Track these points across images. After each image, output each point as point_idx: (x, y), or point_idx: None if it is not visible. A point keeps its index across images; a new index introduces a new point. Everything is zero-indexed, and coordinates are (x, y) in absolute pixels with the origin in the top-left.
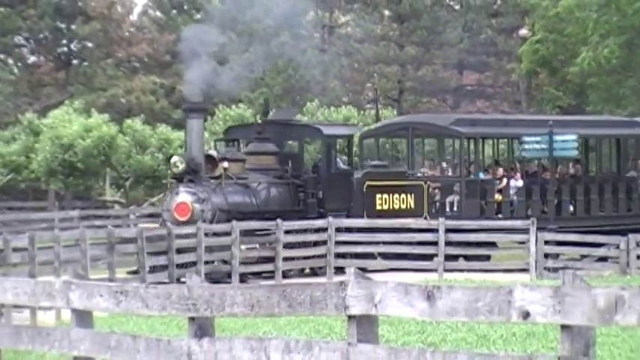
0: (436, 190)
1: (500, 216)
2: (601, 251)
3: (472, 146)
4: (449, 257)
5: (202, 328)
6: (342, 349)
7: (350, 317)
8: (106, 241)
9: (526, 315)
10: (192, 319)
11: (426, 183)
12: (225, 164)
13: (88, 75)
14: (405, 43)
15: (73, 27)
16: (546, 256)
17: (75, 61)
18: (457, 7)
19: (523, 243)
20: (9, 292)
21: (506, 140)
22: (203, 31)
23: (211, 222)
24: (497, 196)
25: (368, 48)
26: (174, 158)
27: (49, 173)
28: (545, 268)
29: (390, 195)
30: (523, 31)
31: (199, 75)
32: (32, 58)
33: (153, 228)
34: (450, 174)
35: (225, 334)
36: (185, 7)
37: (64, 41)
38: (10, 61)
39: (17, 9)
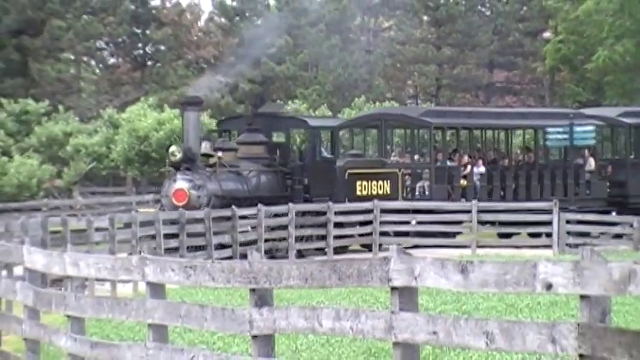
0: (406, 177)
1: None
2: (616, 229)
3: (440, 135)
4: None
5: (262, 299)
6: (385, 317)
7: (393, 288)
8: (177, 221)
9: (549, 286)
10: (253, 290)
11: (400, 170)
12: (220, 154)
13: (161, 75)
14: (441, 44)
15: (148, 32)
16: (568, 233)
17: (149, 63)
18: (488, 12)
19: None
20: (92, 267)
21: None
22: (262, 35)
23: (207, 207)
24: (463, 182)
25: (409, 49)
26: (173, 148)
27: (127, 162)
28: (566, 245)
29: (369, 181)
30: (547, 33)
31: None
32: (112, 60)
33: (150, 213)
34: (418, 161)
35: (283, 303)
36: (247, 14)
37: (140, 45)
38: (93, 62)
39: (99, 16)
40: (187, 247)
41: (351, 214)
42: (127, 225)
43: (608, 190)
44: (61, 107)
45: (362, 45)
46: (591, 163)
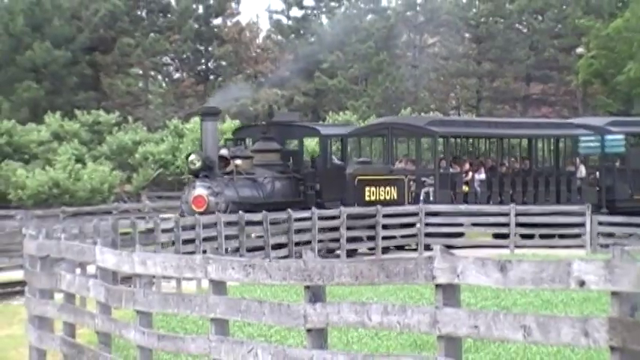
0: (411, 182)
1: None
2: None
3: (444, 144)
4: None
5: (316, 295)
6: (430, 312)
7: (437, 286)
8: (237, 223)
9: (582, 283)
10: (307, 287)
11: (406, 177)
12: (238, 161)
13: (222, 88)
14: (482, 59)
15: (210, 49)
16: (599, 234)
17: (212, 77)
18: (525, 30)
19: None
20: (159, 265)
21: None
22: (316, 51)
23: (224, 213)
24: (465, 188)
25: (451, 64)
26: (192, 156)
27: None
28: (598, 245)
29: (377, 187)
30: (579, 49)
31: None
32: (177, 75)
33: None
34: (424, 168)
35: (335, 299)
36: (302, 31)
37: (203, 60)
38: (159, 77)
39: (165, 34)
40: (246, 248)
41: (397, 216)
42: (191, 227)
43: (597, 194)
44: (130, 118)
45: (408, 60)
46: (582, 171)
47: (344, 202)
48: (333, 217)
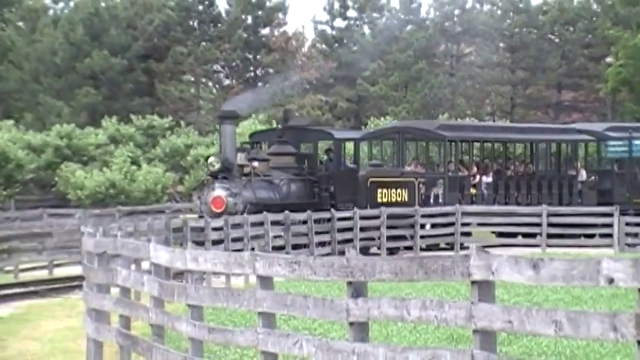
0: (421, 185)
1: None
2: None
3: (454, 147)
4: (550, 235)
5: (358, 290)
6: (466, 307)
7: (472, 282)
8: (283, 223)
9: (611, 281)
10: (349, 283)
11: (416, 179)
12: (255, 164)
13: (270, 94)
14: (515, 68)
15: (259, 57)
16: (626, 234)
17: (259, 84)
18: (557, 40)
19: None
20: (209, 262)
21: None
22: (358, 59)
23: (242, 214)
24: (472, 190)
25: (487, 72)
26: (211, 159)
27: None
28: (625, 244)
29: (389, 189)
30: (609, 59)
31: None
32: (227, 82)
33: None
34: (433, 171)
35: (375, 294)
36: (345, 41)
37: (251, 68)
38: (210, 84)
39: (216, 43)
40: (291, 245)
41: (434, 216)
42: (239, 225)
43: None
44: (182, 122)
45: (445, 68)
46: (582, 175)
47: (357, 203)
48: (373, 217)
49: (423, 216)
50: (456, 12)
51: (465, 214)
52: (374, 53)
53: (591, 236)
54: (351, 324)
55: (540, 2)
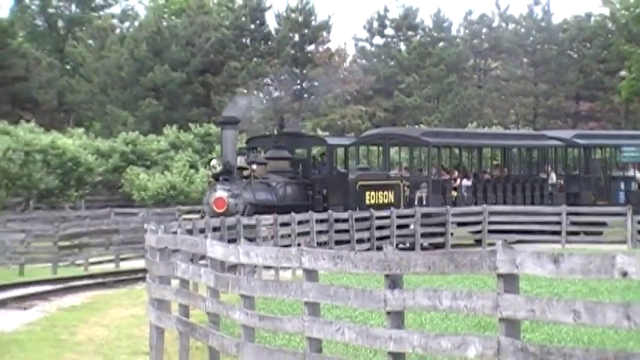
0: (405, 187)
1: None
2: None
3: (437, 153)
4: (570, 232)
5: (394, 282)
6: (493, 297)
7: (498, 275)
8: (326, 221)
9: (625, 274)
10: (387, 275)
11: (402, 182)
12: (255, 167)
13: (315, 105)
14: (537, 81)
15: (305, 71)
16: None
17: (305, 95)
18: (575, 55)
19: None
20: (260, 256)
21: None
22: (395, 73)
23: (242, 214)
24: (454, 193)
25: (511, 85)
26: (214, 161)
27: None
28: (638, 240)
29: (376, 192)
30: (622, 72)
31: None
32: (276, 93)
33: (195, 219)
34: (418, 175)
35: (410, 286)
36: (383, 56)
37: (298, 81)
38: (261, 95)
39: (266, 59)
40: (334, 241)
41: (463, 215)
42: (287, 223)
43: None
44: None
45: (474, 81)
46: (553, 178)
47: (347, 205)
48: (407, 216)
49: (454, 215)
50: (484, 30)
51: (492, 213)
52: (409, 68)
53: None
54: (388, 313)
55: (560, 21)
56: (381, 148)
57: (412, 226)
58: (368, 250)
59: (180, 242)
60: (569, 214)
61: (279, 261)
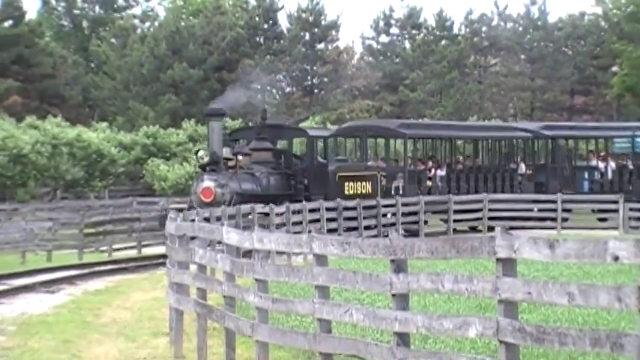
0: (382, 178)
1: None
2: None
3: (412, 144)
4: (564, 219)
5: (399, 267)
6: (492, 281)
7: (497, 259)
8: (335, 209)
9: (616, 258)
10: (392, 260)
11: (379, 173)
12: (240, 157)
13: (324, 100)
14: (534, 76)
15: (315, 68)
16: (630, 218)
17: (316, 91)
18: (570, 52)
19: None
20: (273, 242)
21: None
22: (400, 69)
23: (229, 204)
24: (428, 183)
25: (510, 80)
26: (201, 152)
27: None
28: (629, 227)
29: (354, 182)
30: (615, 68)
31: None
32: (288, 89)
33: (182, 208)
34: (395, 165)
35: (414, 270)
36: (388, 54)
37: (309, 77)
38: (274, 91)
39: (278, 57)
40: (343, 228)
41: (465, 203)
42: (299, 211)
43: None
44: (250, 124)
45: (474, 77)
46: (522, 168)
47: (327, 195)
48: (413, 204)
49: (456, 202)
50: (484, 29)
51: (492, 201)
52: (413, 64)
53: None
54: (394, 295)
55: (556, 20)
56: (358, 140)
57: (389, 216)
58: (375, 236)
59: (197, 229)
60: (564, 201)
61: (291, 247)
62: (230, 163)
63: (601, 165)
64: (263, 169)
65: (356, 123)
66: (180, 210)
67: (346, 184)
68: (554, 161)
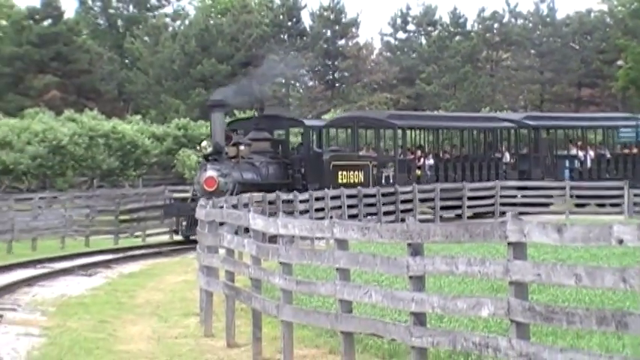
0: (373, 167)
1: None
2: None
3: (402, 134)
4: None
5: (416, 250)
6: (503, 263)
7: (508, 243)
8: (356, 196)
9: (621, 241)
10: (409, 244)
11: (371, 162)
12: (242, 147)
13: (345, 93)
14: (544, 70)
15: (336, 63)
16: (635, 204)
17: (337, 85)
18: (577, 47)
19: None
20: (297, 228)
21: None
22: (416, 64)
23: (232, 193)
24: (418, 172)
25: (520, 74)
26: (204, 143)
27: None
28: (634, 212)
29: (347, 171)
30: (619, 62)
31: None
32: (310, 83)
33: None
34: (385, 155)
35: (430, 253)
36: (405, 49)
37: (330, 72)
38: (297, 85)
39: (302, 52)
40: (363, 214)
41: (478, 190)
42: (320, 198)
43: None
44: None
45: (487, 71)
46: (507, 157)
47: (322, 184)
48: (429, 191)
49: (470, 189)
50: (495, 25)
51: (503, 187)
52: (429, 59)
53: (603, 205)
54: (411, 277)
55: (564, 17)
56: (349, 130)
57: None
58: (393, 222)
59: (226, 216)
60: (572, 188)
61: (314, 232)
62: (231, 153)
63: (580, 154)
64: (262, 159)
65: (348, 114)
66: (185, 199)
67: (339, 173)
68: (536, 150)
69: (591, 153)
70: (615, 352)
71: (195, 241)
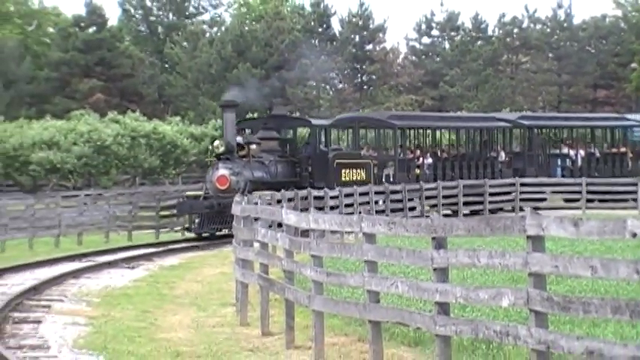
0: (374, 166)
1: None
2: None
3: (402, 134)
4: (589, 200)
5: (439, 243)
6: (523, 256)
7: (528, 237)
8: (383, 192)
9: (634, 235)
10: (433, 238)
11: (372, 161)
12: (253, 146)
13: (373, 95)
14: (561, 72)
15: (364, 67)
16: None
17: (365, 87)
18: (593, 50)
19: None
20: (327, 222)
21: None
22: (440, 67)
23: (243, 191)
24: (417, 170)
25: (539, 76)
26: (217, 142)
27: None
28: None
29: (350, 169)
30: (633, 65)
31: None
32: (340, 86)
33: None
34: (386, 154)
35: (453, 247)
36: (430, 53)
37: (359, 75)
38: (328, 87)
39: (332, 57)
40: (390, 209)
41: (498, 186)
42: (350, 194)
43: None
44: (306, 117)
45: (507, 74)
46: (502, 156)
47: (327, 181)
48: (453, 187)
49: (491, 186)
50: (515, 30)
51: (522, 184)
52: (452, 62)
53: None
54: (435, 269)
55: (580, 22)
56: (351, 130)
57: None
58: (418, 216)
59: (260, 211)
60: (588, 184)
61: (343, 226)
62: (242, 152)
63: (571, 152)
64: (271, 158)
65: (350, 114)
66: (197, 197)
67: (343, 170)
68: (530, 149)
69: (582, 152)
70: (629, 339)
71: (206, 238)
